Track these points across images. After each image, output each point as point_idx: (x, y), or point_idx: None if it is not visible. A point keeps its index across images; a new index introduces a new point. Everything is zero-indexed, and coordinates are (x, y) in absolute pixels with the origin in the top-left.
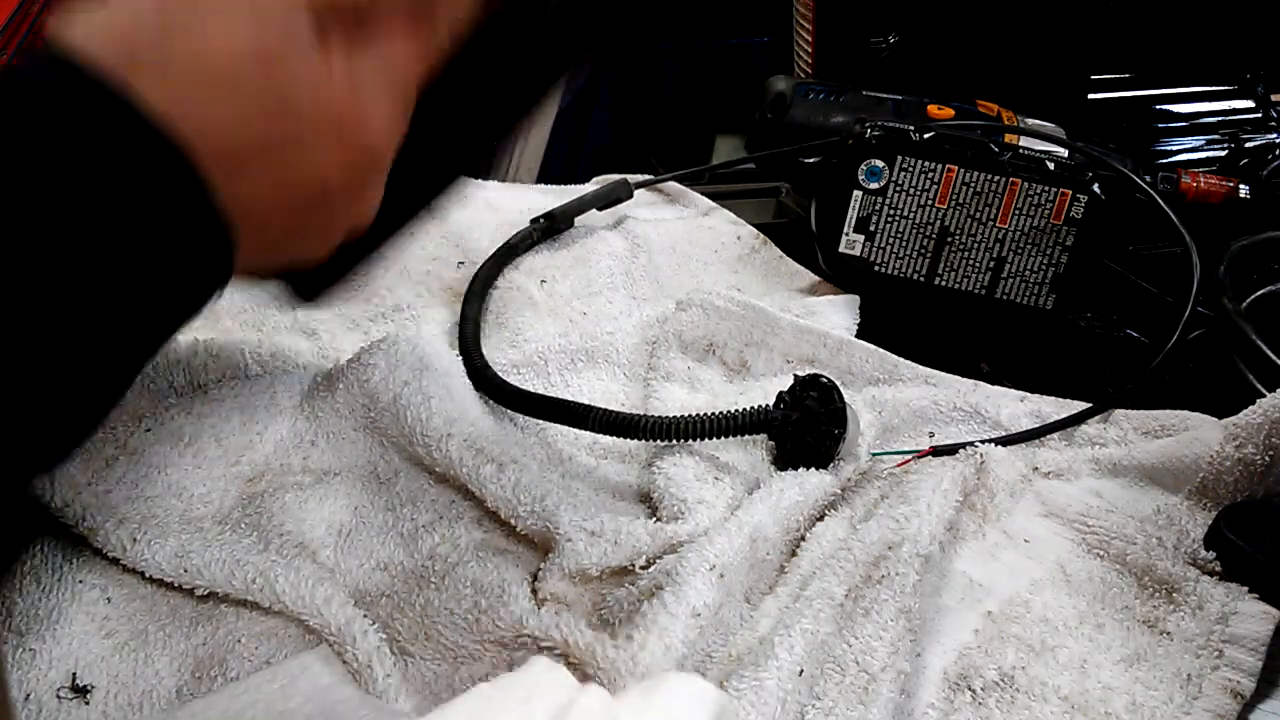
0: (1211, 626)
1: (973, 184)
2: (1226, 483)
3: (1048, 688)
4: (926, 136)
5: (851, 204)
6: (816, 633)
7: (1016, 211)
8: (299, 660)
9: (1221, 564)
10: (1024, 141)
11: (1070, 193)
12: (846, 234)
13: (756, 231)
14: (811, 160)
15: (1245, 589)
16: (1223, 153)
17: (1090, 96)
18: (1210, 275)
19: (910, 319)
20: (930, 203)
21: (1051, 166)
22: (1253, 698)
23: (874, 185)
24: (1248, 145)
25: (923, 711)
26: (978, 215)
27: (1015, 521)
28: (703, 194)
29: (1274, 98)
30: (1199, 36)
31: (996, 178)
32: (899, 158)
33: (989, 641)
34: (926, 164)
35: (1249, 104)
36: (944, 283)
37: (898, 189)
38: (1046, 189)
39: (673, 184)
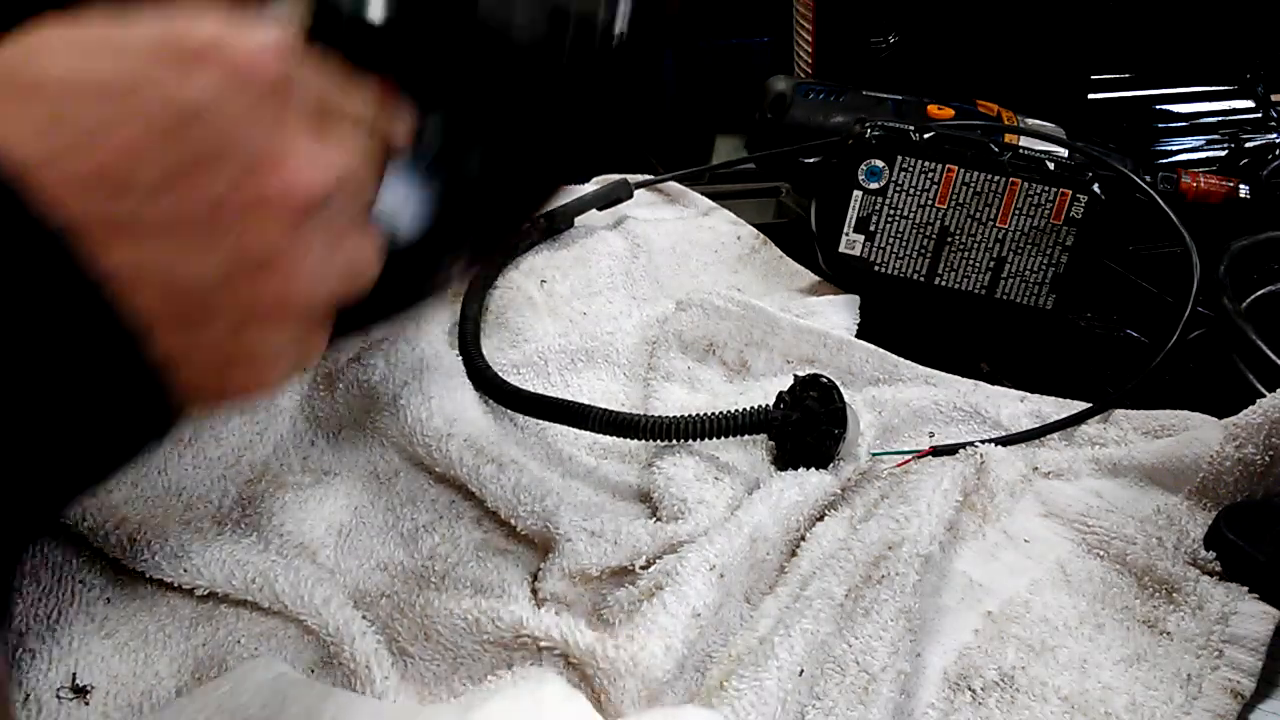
0: (1211, 626)
1: (973, 184)
2: (1226, 483)
3: (1048, 688)
4: (926, 136)
5: (851, 204)
6: (816, 633)
7: (1016, 211)
8: (246, 665)
9: (1221, 564)
10: (1024, 141)
11: (1070, 193)
12: (846, 234)
13: (756, 231)
14: (811, 160)
15: (1245, 589)
16: (1223, 153)
17: (1090, 96)
18: (1210, 275)
19: (910, 319)
20: (930, 203)
21: (1051, 166)
22: (1253, 698)
23: (874, 185)
24: (1248, 145)
25: (923, 711)
26: (978, 215)
27: (1015, 521)
28: (703, 194)
29: (1274, 98)
30: (1199, 36)
31: (996, 178)
32: (899, 158)
33: (989, 641)
34: (926, 164)
35: (1249, 104)
36: (944, 283)
37: (898, 189)
38: (1046, 189)
39: (673, 184)
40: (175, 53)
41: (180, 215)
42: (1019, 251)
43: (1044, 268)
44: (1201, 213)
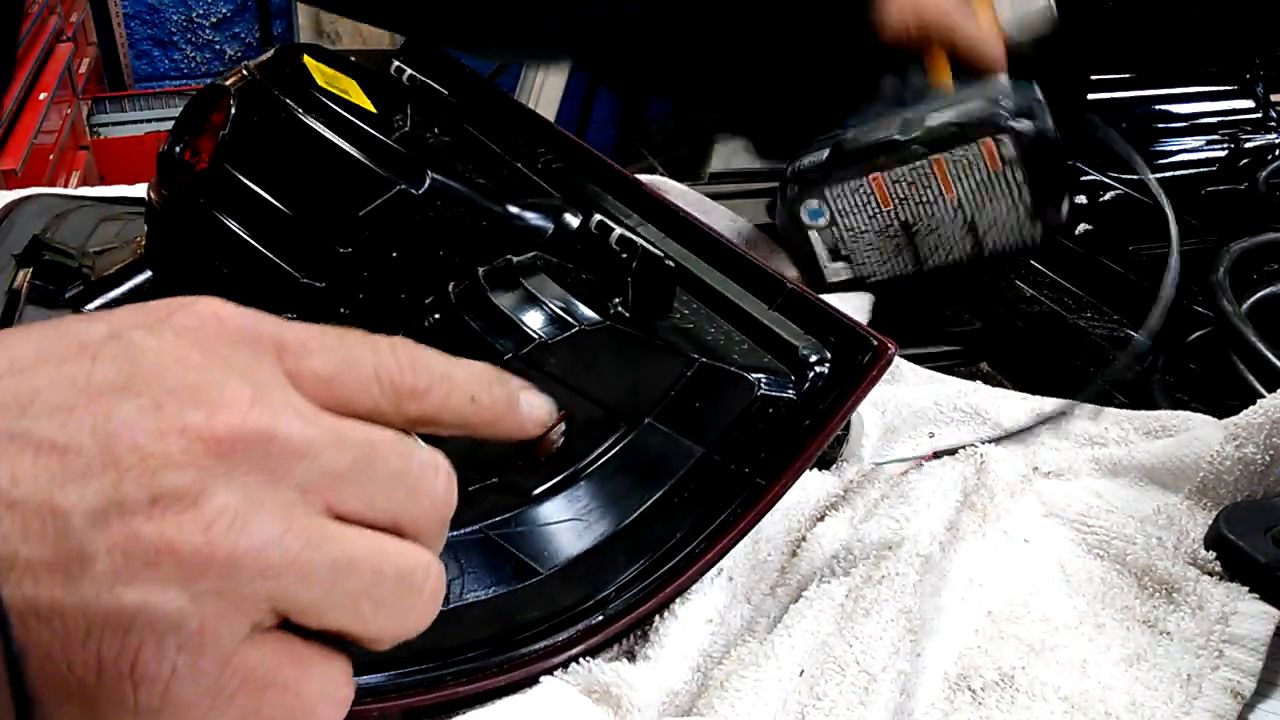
0: (1211, 626)
1: (901, 178)
2: (1226, 483)
3: (1048, 688)
4: (833, 158)
5: (814, 245)
6: (817, 633)
7: (955, 179)
8: None
9: (1221, 564)
10: (932, 112)
11: (991, 139)
12: (826, 266)
13: (757, 231)
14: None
15: (1245, 589)
16: (1223, 153)
17: (1090, 96)
18: (1209, 277)
19: (911, 319)
20: (878, 210)
21: (957, 127)
22: (1253, 698)
23: (822, 221)
24: (1248, 145)
25: (923, 711)
26: (924, 199)
27: (1015, 521)
28: (702, 194)
29: (1274, 98)
30: (1199, 36)
31: (917, 163)
32: (825, 191)
33: (989, 641)
34: (851, 183)
35: (1249, 104)
36: (934, 263)
37: (842, 215)
38: (966, 148)
39: (673, 184)
40: (136, 312)
41: (69, 437)
42: (981, 207)
43: (1013, 207)
44: (1201, 213)
